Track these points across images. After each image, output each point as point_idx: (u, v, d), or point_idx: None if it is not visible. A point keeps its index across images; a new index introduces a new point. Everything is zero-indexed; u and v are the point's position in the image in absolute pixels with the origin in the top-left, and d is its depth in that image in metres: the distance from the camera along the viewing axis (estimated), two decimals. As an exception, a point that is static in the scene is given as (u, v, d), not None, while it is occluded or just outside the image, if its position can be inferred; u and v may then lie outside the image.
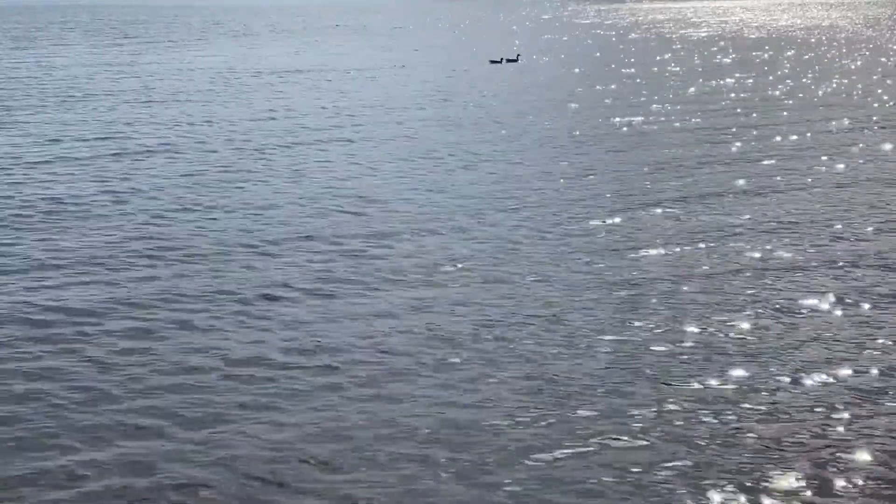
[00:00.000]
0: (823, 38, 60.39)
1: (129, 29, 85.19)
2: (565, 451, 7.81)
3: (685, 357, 9.61)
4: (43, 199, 16.72)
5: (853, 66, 40.69)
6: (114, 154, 21.13)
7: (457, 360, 9.58)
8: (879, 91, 31.80)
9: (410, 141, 23.02)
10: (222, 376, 9.24)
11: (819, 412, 8.45)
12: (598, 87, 34.70)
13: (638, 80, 36.77)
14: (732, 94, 31.69)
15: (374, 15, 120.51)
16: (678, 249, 13.21)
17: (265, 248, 13.55)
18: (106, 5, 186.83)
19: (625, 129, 24.48)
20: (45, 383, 9.16)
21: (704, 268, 12.41)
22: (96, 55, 53.20)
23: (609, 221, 14.89)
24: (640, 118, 26.24)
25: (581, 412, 8.47)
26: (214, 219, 15.26)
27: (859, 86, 33.35)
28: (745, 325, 10.42)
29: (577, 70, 41.70)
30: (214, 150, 21.89)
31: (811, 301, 11.20)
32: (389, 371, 9.33)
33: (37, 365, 9.59)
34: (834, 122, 25.10)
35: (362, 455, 7.78)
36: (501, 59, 45.83)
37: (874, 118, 25.87)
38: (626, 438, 7.99)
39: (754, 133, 23.64)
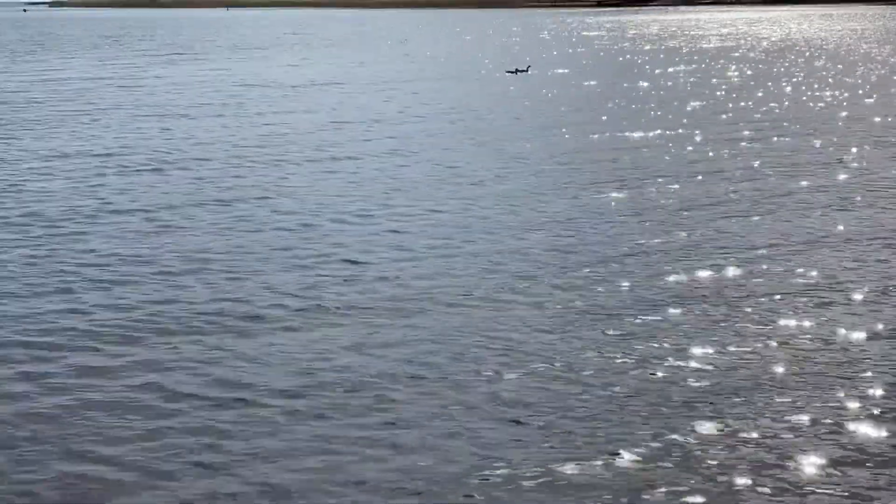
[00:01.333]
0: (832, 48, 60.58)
1: (126, 41, 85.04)
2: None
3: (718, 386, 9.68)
4: (38, 213, 16.73)
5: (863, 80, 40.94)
6: (111, 169, 21.14)
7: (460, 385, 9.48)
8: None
9: (445, 157, 23.02)
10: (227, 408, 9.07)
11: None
12: (611, 100, 34.80)
13: (653, 93, 36.96)
14: (745, 107, 31.84)
15: (372, 27, 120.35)
16: (708, 266, 13.27)
17: (295, 264, 13.57)
18: (96, 18, 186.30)
19: (647, 148, 24.55)
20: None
21: (734, 286, 12.43)
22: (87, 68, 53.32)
23: (624, 233, 15.11)
24: (656, 132, 26.38)
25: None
26: (219, 235, 15.21)
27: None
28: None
29: (591, 82, 41.99)
30: (235, 165, 21.81)
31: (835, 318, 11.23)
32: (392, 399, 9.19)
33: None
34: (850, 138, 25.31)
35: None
36: (516, 69, 46.35)
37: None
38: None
39: (776, 145, 23.83)
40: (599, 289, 12.30)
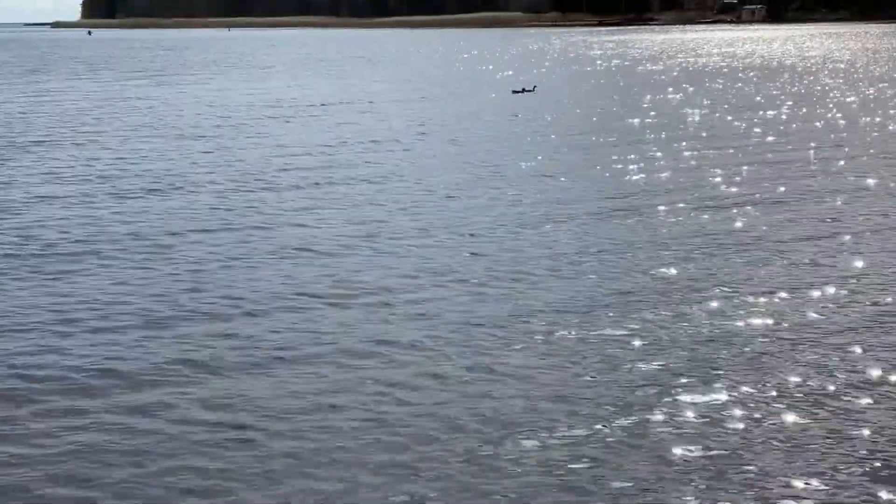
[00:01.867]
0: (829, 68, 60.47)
1: (131, 63, 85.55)
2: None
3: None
4: (35, 237, 16.54)
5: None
6: (105, 192, 20.79)
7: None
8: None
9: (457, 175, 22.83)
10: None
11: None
12: (619, 120, 34.62)
13: (661, 113, 36.75)
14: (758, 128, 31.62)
15: (373, 47, 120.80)
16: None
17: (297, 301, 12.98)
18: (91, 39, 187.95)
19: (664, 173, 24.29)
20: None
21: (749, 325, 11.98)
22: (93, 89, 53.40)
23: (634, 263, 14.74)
24: (666, 154, 26.18)
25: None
26: (214, 261, 14.85)
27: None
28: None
29: (599, 102, 41.81)
30: (245, 187, 21.49)
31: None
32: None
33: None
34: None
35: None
36: (522, 89, 46.11)
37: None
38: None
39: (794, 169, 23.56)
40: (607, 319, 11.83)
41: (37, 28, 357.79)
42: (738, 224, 17.05)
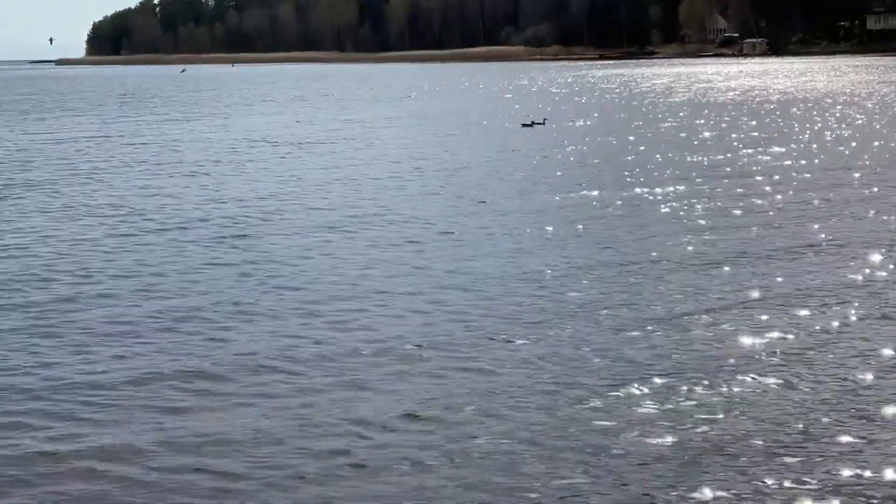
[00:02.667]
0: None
1: (132, 99, 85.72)
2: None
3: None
4: (41, 274, 16.63)
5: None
6: (110, 228, 20.97)
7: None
8: None
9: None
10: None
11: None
12: (630, 154, 34.92)
13: (673, 146, 37.09)
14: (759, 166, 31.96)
15: (377, 81, 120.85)
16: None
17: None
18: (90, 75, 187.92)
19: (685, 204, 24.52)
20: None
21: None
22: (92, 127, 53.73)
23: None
24: (679, 187, 26.46)
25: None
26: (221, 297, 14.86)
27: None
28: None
29: (609, 136, 42.22)
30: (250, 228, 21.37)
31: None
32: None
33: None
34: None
35: None
36: (532, 122, 46.62)
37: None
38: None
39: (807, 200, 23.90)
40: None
41: (42, 66, 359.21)
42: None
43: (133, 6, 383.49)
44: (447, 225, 20.90)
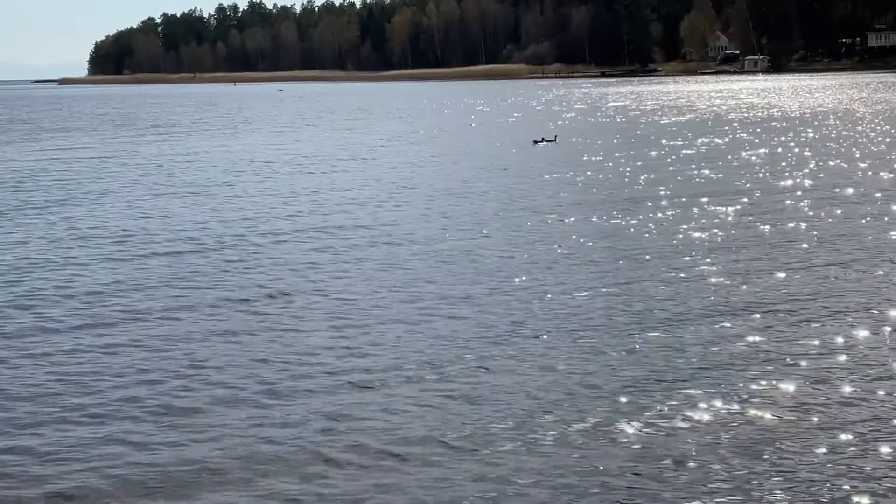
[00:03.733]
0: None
1: (134, 118, 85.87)
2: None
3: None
4: (48, 295, 16.49)
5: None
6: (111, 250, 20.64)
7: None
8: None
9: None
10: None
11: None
12: (644, 173, 34.90)
13: (687, 165, 37.12)
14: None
15: (380, 100, 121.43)
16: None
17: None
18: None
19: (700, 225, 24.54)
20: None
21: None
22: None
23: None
24: (700, 207, 26.46)
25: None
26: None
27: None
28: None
29: (619, 153, 42.25)
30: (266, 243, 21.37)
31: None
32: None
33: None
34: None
35: None
36: (542, 139, 46.68)
37: None
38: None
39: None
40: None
41: (45, 85, 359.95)
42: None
43: (135, 25, 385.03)
44: (466, 240, 20.92)
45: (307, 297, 16.07)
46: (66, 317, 15.06)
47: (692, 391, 10.92)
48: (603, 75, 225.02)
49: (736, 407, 10.33)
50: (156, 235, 22.51)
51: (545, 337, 13.28)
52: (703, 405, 10.44)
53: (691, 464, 9.01)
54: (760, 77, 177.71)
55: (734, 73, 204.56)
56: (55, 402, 11.21)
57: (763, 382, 11.05)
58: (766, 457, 9.08)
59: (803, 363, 11.78)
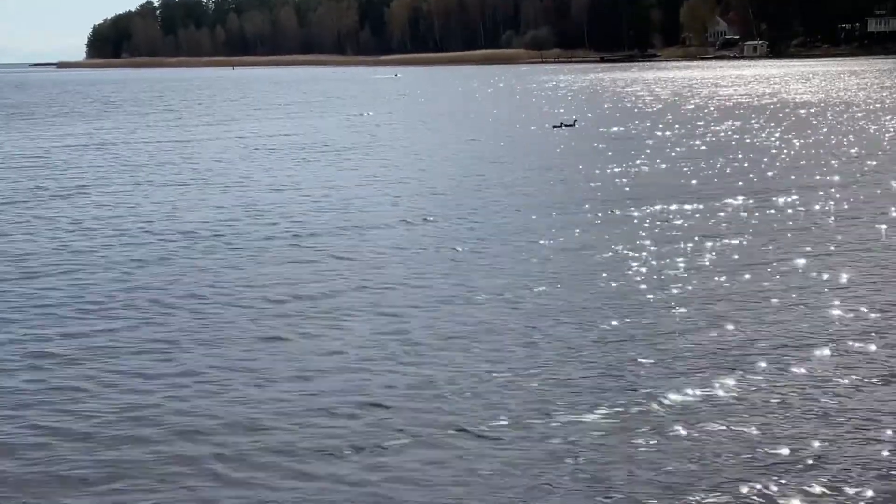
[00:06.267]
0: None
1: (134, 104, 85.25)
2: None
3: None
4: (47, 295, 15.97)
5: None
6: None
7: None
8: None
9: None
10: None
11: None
12: (667, 160, 35.18)
13: (717, 152, 37.59)
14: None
15: (387, 85, 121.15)
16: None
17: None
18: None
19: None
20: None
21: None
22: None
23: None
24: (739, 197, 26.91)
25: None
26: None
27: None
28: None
29: (645, 138, 42.84)
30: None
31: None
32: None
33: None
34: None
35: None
36: (561, 123, 47.33)
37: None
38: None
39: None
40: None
41: (43, 69, 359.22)
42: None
43: (134, 9, 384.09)
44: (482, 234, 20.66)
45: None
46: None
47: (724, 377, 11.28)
48: (602, 60, 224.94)
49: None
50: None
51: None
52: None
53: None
54: (761, 63, 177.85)
55: (734, 58, 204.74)
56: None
57: (758, 377, 11.26)
58: (746, 453, 9.27)
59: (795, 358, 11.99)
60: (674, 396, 10.52)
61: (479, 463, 9.14)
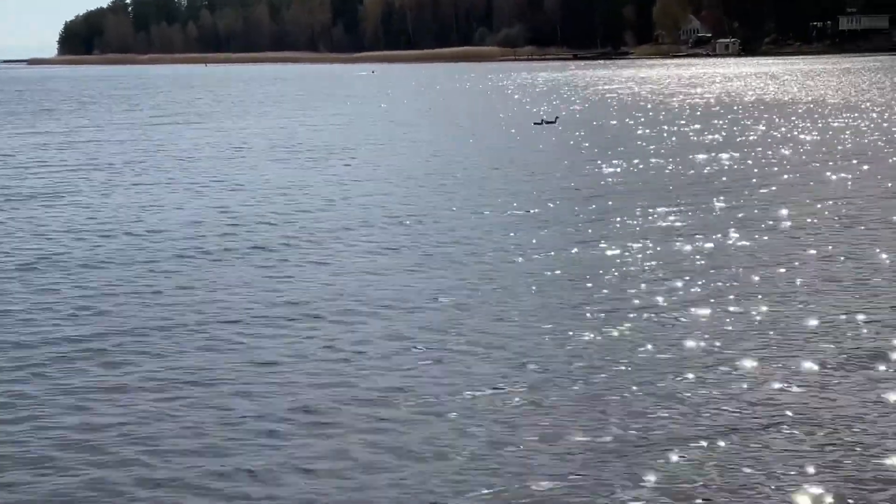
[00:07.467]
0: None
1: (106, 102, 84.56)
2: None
3: None
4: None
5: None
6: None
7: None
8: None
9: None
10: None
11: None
12: (654, 156, 35.48)
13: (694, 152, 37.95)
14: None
15: (361, 82, 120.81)
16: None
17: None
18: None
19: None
20: None
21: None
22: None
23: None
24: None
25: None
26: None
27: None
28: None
29: (627, 133, 43.32)
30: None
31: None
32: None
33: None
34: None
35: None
36: (543, 120, 47.75)
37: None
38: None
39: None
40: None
41: (13, 65, 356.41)
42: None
43: (105, 6, 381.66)
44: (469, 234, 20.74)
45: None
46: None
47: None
48: (575, 58, 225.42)
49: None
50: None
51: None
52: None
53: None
54: (732, 60, 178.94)
55: (706, 56, 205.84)
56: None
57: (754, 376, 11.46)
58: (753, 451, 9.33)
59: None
60: (645, 401, 10.50)
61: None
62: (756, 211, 21.99)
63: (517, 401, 10.52)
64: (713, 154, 33.62)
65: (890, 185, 25.72)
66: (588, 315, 13.66)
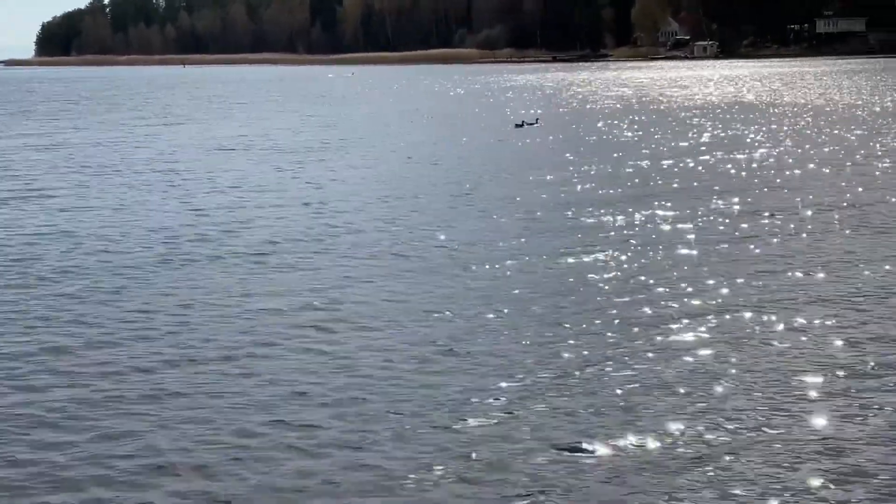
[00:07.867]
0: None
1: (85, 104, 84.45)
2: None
3: None
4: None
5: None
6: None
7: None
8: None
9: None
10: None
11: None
12: (633, 159, 35.49)
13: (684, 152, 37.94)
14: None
15: (343, 84, 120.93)
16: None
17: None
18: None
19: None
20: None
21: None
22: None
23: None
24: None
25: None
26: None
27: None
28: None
29: (606, 136, 43.20)
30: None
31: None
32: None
33: None
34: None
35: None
36: (523, 122, 47.51)
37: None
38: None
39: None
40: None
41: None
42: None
43: (83, 6, 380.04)
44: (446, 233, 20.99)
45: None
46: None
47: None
48: (554, 60, 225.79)
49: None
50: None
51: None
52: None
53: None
54: (709, 63, 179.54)
55: (684, 58, 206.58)
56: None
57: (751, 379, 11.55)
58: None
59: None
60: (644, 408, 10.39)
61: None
62: (744, 215, 21.82)
63: (498, 412, 10.26)
64: (697, 157, 33.51)
65: (878, 187, 25.74)
66: (570, 324, 13.33)
